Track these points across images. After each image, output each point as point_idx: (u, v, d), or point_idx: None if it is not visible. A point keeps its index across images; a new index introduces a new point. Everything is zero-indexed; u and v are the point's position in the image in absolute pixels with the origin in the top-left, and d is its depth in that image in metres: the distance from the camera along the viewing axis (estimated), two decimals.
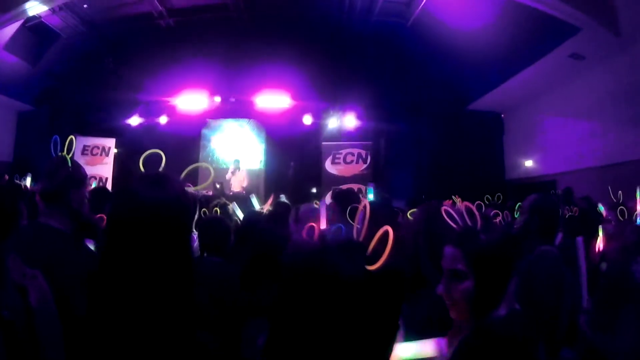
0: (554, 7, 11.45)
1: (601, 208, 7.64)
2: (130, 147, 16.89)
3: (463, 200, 8.00)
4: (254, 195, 9.54)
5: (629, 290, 3.82)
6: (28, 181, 10.28)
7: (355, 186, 15.66)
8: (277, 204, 7.73)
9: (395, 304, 1.50)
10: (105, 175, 17.76)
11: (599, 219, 6.83)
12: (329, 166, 18.71)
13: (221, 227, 4.91)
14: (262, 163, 19.68)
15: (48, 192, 3.05)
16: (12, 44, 14.66)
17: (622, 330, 3.39)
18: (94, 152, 18.09)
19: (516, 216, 6.99)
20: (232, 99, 18.30)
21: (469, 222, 2.68)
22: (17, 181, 10.65)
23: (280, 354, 1.44)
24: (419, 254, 3.17)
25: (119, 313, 1.83)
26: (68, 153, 3.30)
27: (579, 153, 14.88)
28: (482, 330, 2.26)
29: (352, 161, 18.73)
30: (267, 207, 7.49)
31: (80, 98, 17.78)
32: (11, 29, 14.03)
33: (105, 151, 18.18)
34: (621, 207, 6.82)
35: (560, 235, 5.25)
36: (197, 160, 18.57)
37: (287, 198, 10.78)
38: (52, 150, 3.32)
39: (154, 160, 2.89)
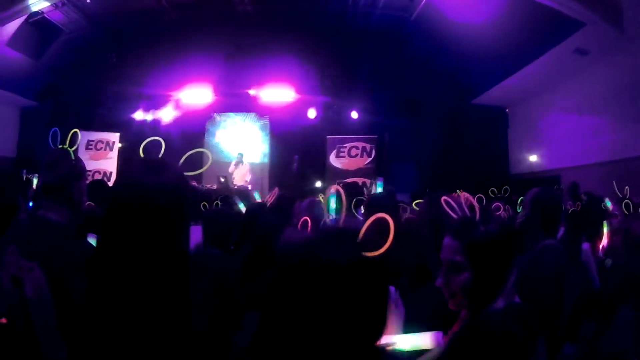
0: (558, 1, 11.41)
1: (608, 203, 7.60)
2: (135, 141, 16.62)
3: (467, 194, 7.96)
4: (256, 191, 9.54)
5: (630, 286, 3.80)
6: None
7: (360, 180, 15.72)
8: (279, 196, 7.75)
9: (381, 291, 1.53)
10: (110, 170, 17.72)
11: (602, 214, 6.80)
12: (333, 160, 18.76)
13: (224, 220, 4.93)
14: (266, 157, 19.70)
15: (49, 185, 3.02)
16: (15, 39, 14.67)
17: (620, 327, 3.37)
18: (98, 146, 18.09)
19: (519, 210, 6.97)
20: (236, 93, 18.23)
21: (467, 213, 2.67)
22: (27, 176, 10.63)
23: (270, 342, 1.47)
24: (424, 246, 3.17)
25: (116, 297, 1.84)
26: (71, 146, 3.29)
27: (583, 149, 14.85)
28: (477, 323, 2.27)
29: (356, 155, 18.74)
30: (270, 200, 7.49)
31: (83, 93, 17.78)
32: (14, 24, 14.04)
33: (109, 146, 18.17)
34: (627, 201, 6.79)
35: (562, 230, 5.24)
36: (200, 155, 18.43)
37: (291, 191, 10.77)
38: (51, 143, 3.30)
39: (155, 149, 2.89)
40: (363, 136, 18.81)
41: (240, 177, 16.93)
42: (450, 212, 2.82)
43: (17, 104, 18.18)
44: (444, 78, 18.54)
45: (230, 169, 17.20)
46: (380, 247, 1.48)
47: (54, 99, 18.23)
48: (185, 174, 2.15)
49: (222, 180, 15.51)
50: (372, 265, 1.49)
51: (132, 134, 17.42)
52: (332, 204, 5.49)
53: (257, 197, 8.44)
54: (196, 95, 18.25)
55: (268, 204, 6.28)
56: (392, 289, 2.34)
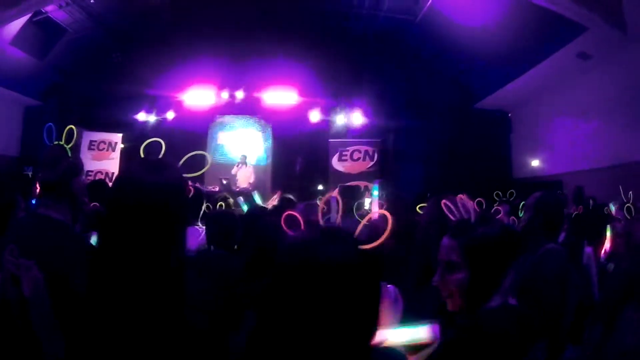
0: (561, 5, 11.39)
1: (612, 207, 7.60)
2: (137, 142, 16.61)
3: (469, 198, 7.95)
4: (256, 192, 9.55)
5: (635, 288, 3.80)
6: None
7: (362, 184, 15.73)
8: (282, 199, 7.78)
9: (375, 288, 1.57)
10: (112, 171, 17.64)
11: (605, 218, 6.83)
12: (335, 163, 18.78)
13: (228, 221, 4.92)
14: (269, 159, 19.71)
15: (50, 183, 3.03)
16: (19, 39, 14.66)
17: (624, 329, 3.38)
18: (101, 147, 18.12)
19: (521, 214, 6.99)
20: (240, 95, 18.23)
21: (465, 215, 2.70)
22: (31, 175, 10.60)
23: (266, 340, 1.51)
24: (429, 246, 3.18)
25: (113, 295, 1.87)
26: (68, 143, 3.29)
27: (585, 153, 14.83)
28: (472, 322, 2.30)
29: (358, 158, 18.77)
30: (272, 203, 7.53)
31: (87, 93, 17.74)
32: (18, 23, 14.02)
33: (112, 146, 18.19)
34: (628, 205, 6.81)
35: (563, 234, 5.25)
36: (203, 157, 18.49)
37: (293, 194, 10.78)
38: (46, 138, 3.31)
39: (156, 149, 2.89)
40: (365, 140, 18.84)
41: (244, 179, 16.96)
42: (448, 214, 2.85)
43: (21, 103, 18.13)
44: (447, 81, 18.55)
45: (233, 171, 17.22)
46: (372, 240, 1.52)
47: (58, 98, 18.22)
48: (185, 175, 2.17)
49: (225, 182, 15.56)
50: (367, 264, 1.53)
51: (135, 135, 17.42)
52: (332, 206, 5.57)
53: (258, 199, 8.46)
54: (199, 96, 18.26)
55: (270, 207, 6.28)
56: (391, 287, 2.36)
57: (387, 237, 1.69)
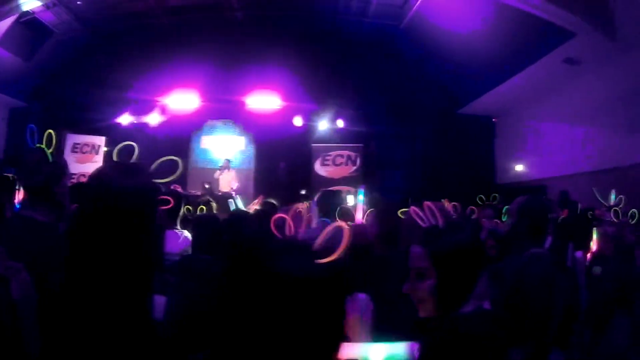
0: (548, 11, 11.41)
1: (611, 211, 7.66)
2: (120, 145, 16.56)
3: (452, 202, 8.01)
4: (238, 196, 9.53)
5: (626, 292, 3.81)
6: None
7: (344, 188, 15.79)
8: (265, 203, 7.77)
9: (337, 303, 1.53)
10: None
11: (591, 222, 6.88)
12: (318, 168, 18.94)
13: (213, 225, 4.95)
14: (252, 164, 19.68)
15: (34, 187, 3.07)
16: (6, 39, 14.58)
17: (616, 334, 3.43)
18: (84, 150, 18.08)
19: (504, 219, 7.01)
20: (223, 99, 18.17)
21: (433, 221, 2.71)
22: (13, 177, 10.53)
23: (225, 349, 1.50)
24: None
25: (84, 294, 1.87)
26: (49, 147, 3.29)
27: (571, 158, 14.92)
28: (444, 327, 2.27)
29: (341, 163, 18.97)
30: (254, 207, 7.52)
31: (72, 95, 17.62)
32: (4, 24, 13.94)
33: (95, 149, 18.15)
34: (616, 209, 6.87)
35: (549, 238, 5.26)
36: (186, 160, 18.63)
37: (276, 199, 10.76)
38: (29, 140, 3.29)
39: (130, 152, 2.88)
40: (348, 145, 18.97)
41: (226, 184, 16.82)
42: (419, 221, 2.86)
43: (6, 104, 18.02)
44: (431, 87, 18.66)
45: (216, 175, 17.13)
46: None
47: (43, 100, 18.12)
48: (160, 180, 2.19)
49: (207, 186, 15.53)
50: (323, 276, 1.50)
51: (119, 138, 17.28)
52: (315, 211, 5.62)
53: (240, 204, 8.46)
54: (183, 100, 18.15)
55: (252, 211, 6.26)
56: (363, 296, 2.33)
57: (376, 241, 1.71)
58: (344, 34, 17.87)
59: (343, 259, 1.54)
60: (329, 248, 1.56)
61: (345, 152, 18.97)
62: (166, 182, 5.29)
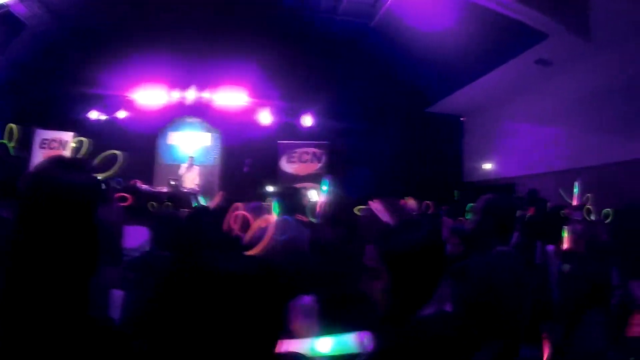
0: (520, 12, 11.45)
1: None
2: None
3: (418, 200, 7.95)
4: (200, 193, 9.44)
5: (599, 291, 3.78)
6: None
7: (309, 185, 15.84)
8: (226, 200, 7.68)
9: (273, 301, 1.55)
10: None
11: (562, 220, 6.89)
12: (284, 165, 19.20)
13: (172, 222, 4.94)
14: (218, 160, 19.72)
15: None
16: None
17: (589, 331, 3.41)
18: (52, 145, 17.82)
19: (467, 217, 6.99)
20: (191, 95, 18.06)
21: (392, 219, 2.61)
22: None
23: (164, 345, 1.49)
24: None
25: (25, 288, 1.82)
26: (10, 141, 3.20)
27: (541, 157, 15.10)
28: (401, 330, 2.21)
29: (307, 160, 19.25)
30: (214, 203, 7.43)
31: (43, 90, 17.47)
32: None
33: (63, 145, 17.90)
34: (588, 207, 6.94)
35: (516, 236, 5.24)
36: (154, 157, 18.79)
37: (241, 196, 10.65)
38: None
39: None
40: (314, 142, 19.24)
41: (190, 181, 16.88)
42: (381, 218, 2.74)
43: None
44: (400, 85, 18.81)
45: (181, 171, 17.13)
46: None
47: (14, 95, 17.86)
48: (101, 175, 2.09)
49: (173, 183, 15.45)
50: (258, 272, 1.54)
51: (87, 134, 17.19)
52: (275, 208, 5.57)
53: (202, 201, 8.39)
54: (151, 96, 18.13)
55: (213, 207, 6.17)
56: (308, 298, 2.21)
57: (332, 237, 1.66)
58: (313, 30, 17.88)
59: (277, 255, 1.53)
60: (254, 243, 1.52)
61: (312, 149, 19.25)
62: (108, 176, 5.21)
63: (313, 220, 6.13)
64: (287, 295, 1.66)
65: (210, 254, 1.57)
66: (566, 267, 5.11)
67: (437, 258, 2.35)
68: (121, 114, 18.28)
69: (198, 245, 4.44)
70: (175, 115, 19.57)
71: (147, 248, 4.95)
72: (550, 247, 5.32)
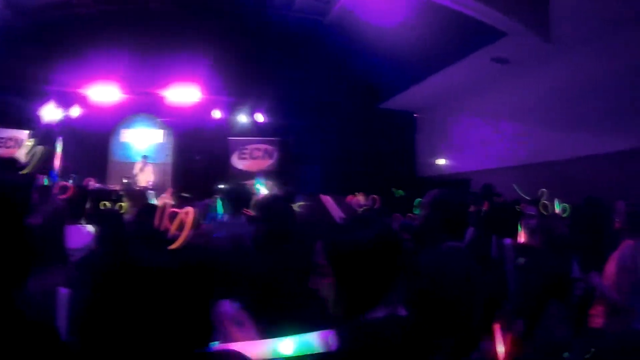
0: (479, 10, 11.43)
1: (558, 206, 7.74)
2: (44, 139, 16.06)
3: (370, 195, 7.92)
4: (153, 191, 9.38)
5: (558, 283, 3.78)
6: None
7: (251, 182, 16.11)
8: (178, 197, 7.61)
9: (202, 295, 1.56)
10: None
11: (517, 214, 6.95)
12: (235, 161, 19.33)
13: (115, 220, 5.09)
14: (170, 158, 19.56)
15: None
16: None
17: (550, 324, 3.40)
18: (8, 144, 17.92)
19: (416, 212, 7.01)
20: (143, 92, 17.91)
21: (344, 216, 2.52)
22: None
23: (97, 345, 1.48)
24: (308, 245, 2.99)
25: None
26: None
27: (496, 153, 15.25)
28: (349, 334, 2.08)
29: (258, 157, 19.45)
30: (163, 201, 7.34)
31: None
32: None
33: (18, 143, 17.74)
34: (545, 202, 7.02)
35: (471, 231, 5.44)
36: (107, 155, 18.66)
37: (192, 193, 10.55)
38: None
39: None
40: (265, 138, 19.40)
41: (144, 179, 16.82)
42: (333, 215, 2.65)
43: None
44: (353, 81, 18.89)
45: (135, 170, 17.04)
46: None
47: None
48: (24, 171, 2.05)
49: (126, 181, 15.35)
50: (191, 269, 1.54)
51: (42, 132, 16.93)
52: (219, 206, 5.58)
53: (153, 199, 8.29)
54: (105, 93, 17.82)
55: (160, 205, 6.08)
56: (226, 303, 2.13)
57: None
58: (267, 26, 17.84)
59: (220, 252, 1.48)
60: (176, 237, 1.71)
61: (263, 146, 19.46)
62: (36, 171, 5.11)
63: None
64: (211, 291, 1.62)
65: (135, 250, 1.57)
66: (521, 260, 5.13)
67: (388, 257, 2.22)
68: (75, 112, 18.00)
69: (134, 242, 4.28)
70: (128, 113, 19.35)
71: (93, 246, 4.78)
72: (508, 242, 5.23)
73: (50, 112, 17.61)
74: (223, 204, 5.76)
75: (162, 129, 19.79)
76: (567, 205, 7.37)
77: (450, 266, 3.50)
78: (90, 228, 5.24)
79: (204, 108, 18.33)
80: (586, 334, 4.50)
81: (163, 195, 7.71)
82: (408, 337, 2.09)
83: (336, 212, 2.83)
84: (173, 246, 1.53)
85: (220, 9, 17.19)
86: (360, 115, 19.24)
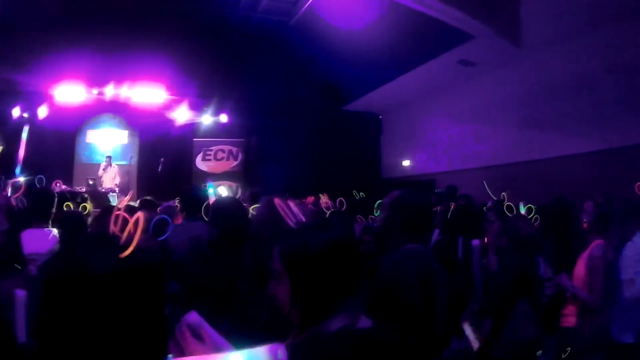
0: (446, 13, 11.46)
1: (522, 208, 7.74)
2: (10, 138, 16.44)
3: (334, 196, 7.90)
4: (117, 192, 9.29)
5: (525, 282, 3.81)
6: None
7: (224, 183, 15.92)
8: (141, 200, 7.57)
9: (150, 296, 1.59)
10: None
11: (483, 215, 7.17)
12: (199, 163, 19.38)
13: (76, 222, 4.96)
14: (134, 159, 19.35)
15: None
16: None
17: (519, 322, 3.43)
18: None
19: (376, 214, 7.00)
20: (108, 92, 17.70)
21: (301, 218, 2.47)
22: None
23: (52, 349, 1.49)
24: (261, 249, 3.02)
25: None
26: None
27: (461, 154, 15.32)
28: (300, 348, 1.91)
29: (222, 158, 19.54)
30: (124, 203, 7.22)
31: None
32: None
33: None
34: (509, 203, 7.07)
35: (436, 232, 5.59)
36: (72, 156, 18.62)
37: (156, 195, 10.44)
38: None
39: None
40: (230, 139, 19.44)
41: (109, 180, 16.69)
42: (287, 218, 2.59)
43: None
44: (318, 83, 18.99)
45: (100, 172, 16.96)
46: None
47: None
48: None
49: (91, 182, 15.32)
50: (138, 270, 1.56)
51: (9, 131, 16.73)
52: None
53: (114, 201, 8.22)
54: (70, 93, 17.71)
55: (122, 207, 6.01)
56: (192, 315, 2.04)
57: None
58: (232, 27, 17.95)
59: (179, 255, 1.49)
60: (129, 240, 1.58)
61: (227, 147, 19.55)
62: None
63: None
64: (161, 295, 1.65)
65: (87, 254, 1.57)
66: (485, 261, 5.22)
67: (345, 261, 2.09)
68: (42, 112, 17.72)
69: (87, 246, 4.23)
70: (93, 113, 19.25)
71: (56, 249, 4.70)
72: (476, 242, 5.26)
73: (17, 112, 17.39)
74: (181, 207, 5.75)
75: (126, 129, 19.69)
76: (532, 206, 7.37)
77: (410, 269, 3.43)
78: (55, 232, 5.18)
79: (168, 109, 18.24)
80: (558, 333, 4.55)
81: (124, 197, 7.61)
82: (361, 353, 1.94)
83: (290, 215, 2.76)
84: (124, 253, 1.50)
85: (185, 10, 17.14)
86: (325, 117, 19.28)
